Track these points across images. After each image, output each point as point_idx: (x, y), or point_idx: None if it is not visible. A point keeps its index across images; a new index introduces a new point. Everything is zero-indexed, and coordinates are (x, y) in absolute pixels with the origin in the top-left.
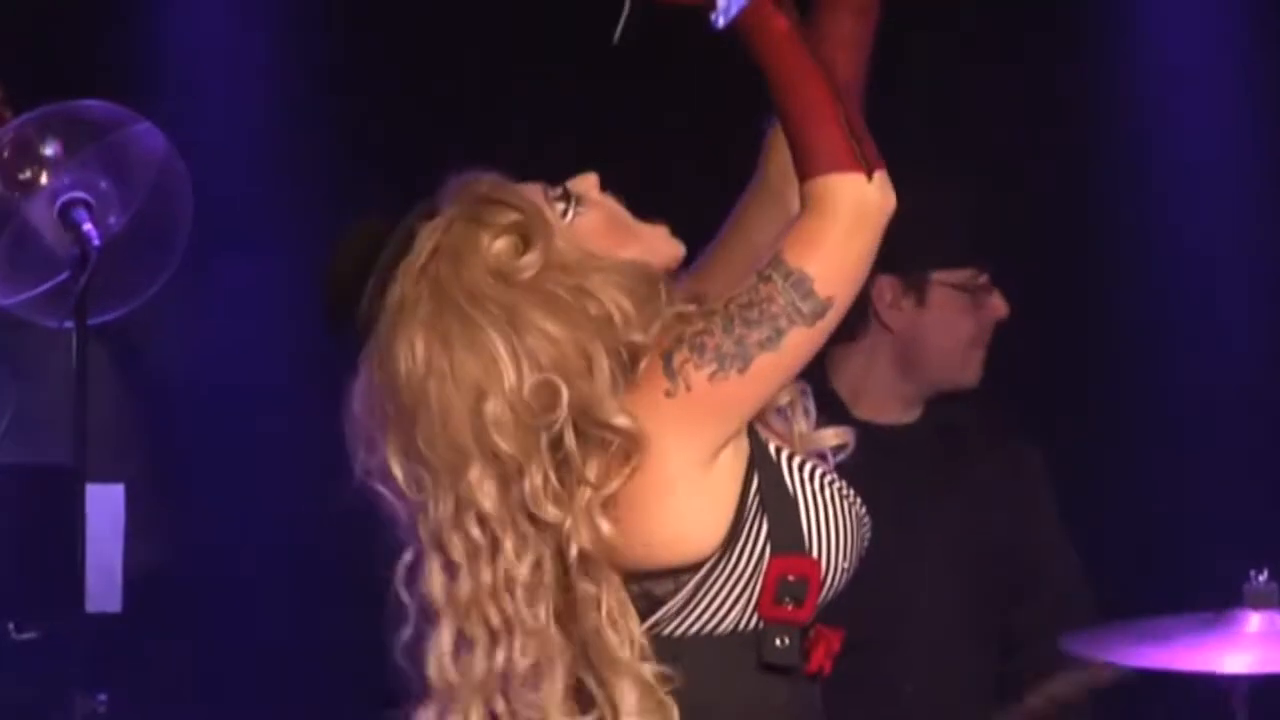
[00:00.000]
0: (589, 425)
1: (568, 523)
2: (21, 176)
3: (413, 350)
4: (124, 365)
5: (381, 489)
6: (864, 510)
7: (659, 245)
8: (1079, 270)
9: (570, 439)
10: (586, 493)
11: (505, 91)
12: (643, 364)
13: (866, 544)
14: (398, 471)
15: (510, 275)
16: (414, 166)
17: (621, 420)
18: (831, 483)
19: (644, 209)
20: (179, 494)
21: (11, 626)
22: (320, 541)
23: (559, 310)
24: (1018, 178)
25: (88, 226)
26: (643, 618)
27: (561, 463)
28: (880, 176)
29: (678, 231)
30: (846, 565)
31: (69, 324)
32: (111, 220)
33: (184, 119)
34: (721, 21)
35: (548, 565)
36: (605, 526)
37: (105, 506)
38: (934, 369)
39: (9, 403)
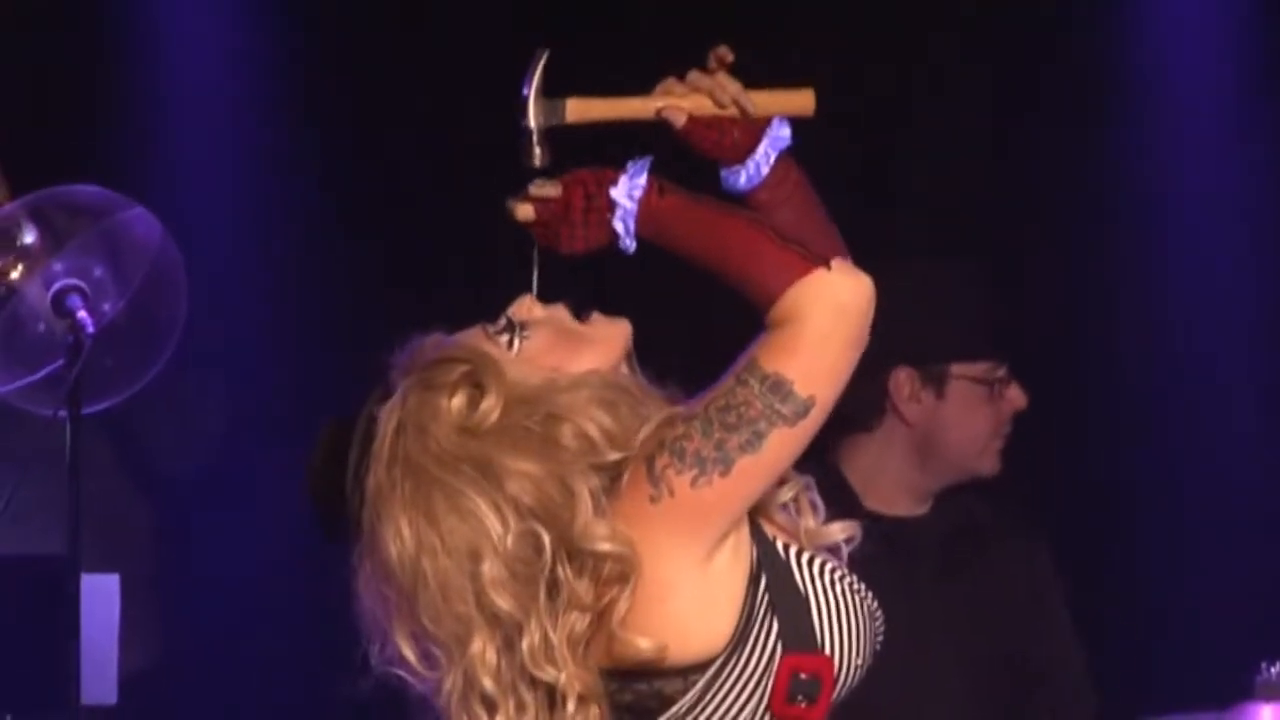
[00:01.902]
0: (579, 554)
1: (563, 678)
2: None
3: (400, 533)
4: (120, 455)
5: (402, 673)
6: (876, 605)
7: (609, 335)
8: (1078, 357)
9: (565, 573)
10: (581, 627)
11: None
12: (627, 471)
13: (879, 639)
14: (409, 654)
15: (475, 427)
16: (414, 256)
17: (606, 546)
18: (843, 578)
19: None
20: (175, 584)
21: (8, 719)
22: (320, 632)
23: (530, 446)
24: (1019, 268)
25: (82, 314)
26: (652, 717)
27: (561, 606)
28: (839, 263)
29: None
30: (860, 661)
31: (63, 413)
32: (106, 307)
33: (180, 207)
34: (630, 243)
35: None
36: (594, 667)
37: (100, 597)
38: (952, 460)
39: (4, 493)
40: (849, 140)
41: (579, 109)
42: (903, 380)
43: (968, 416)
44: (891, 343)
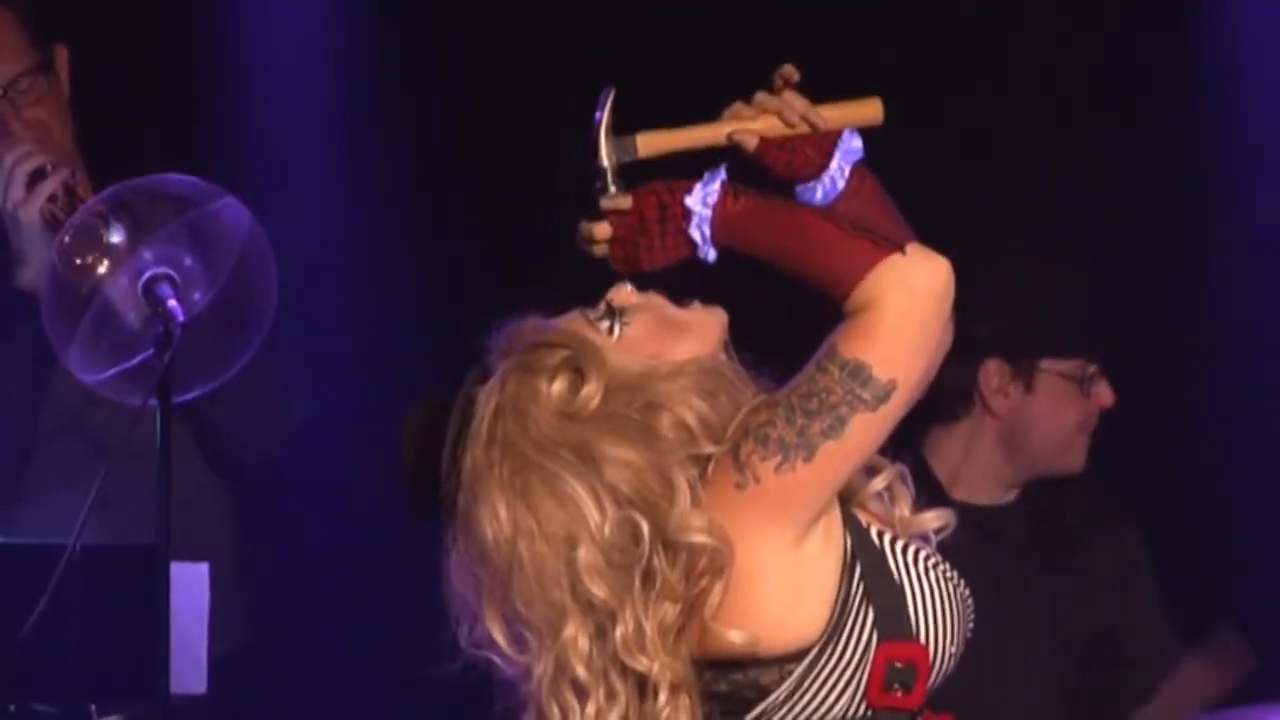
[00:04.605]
0: (674, 545)
1: (655, 667)
2: (79, 261)
3: (496, 515)
4: (206, 443)
5: (490, 655)
6: (968, 592)
7: (707, 323)
8: (1173, 353)
9: (660, 563)
10: (673, 616)
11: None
12: (714, 460)
13: (971, 626)
14: (499, 637)
15: (576, 413)
16: (503, 244)
17: (702, 539)
18: (936, 565)
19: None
20: (264, 573)
21: (93, 709)
22: (407, 622)
23: (631, 434)
24: (1116, 266)
25: (172, 303)
26: (749, 707)
27: (654, 596)
28: (914, 247)
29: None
30: (954, 649)
31: (152, 402)
32: (196, 296)
33: (270, 199)
34: (709, 251)
35: (633, 713)
36: (685, 656)
37: (190, 586)
38: (1038, 455)
39: (94, 482)
40: (948, 141)
41: (650, 143)
42: (992, 371)
43: (1055, 411)
44: (985, 333)
